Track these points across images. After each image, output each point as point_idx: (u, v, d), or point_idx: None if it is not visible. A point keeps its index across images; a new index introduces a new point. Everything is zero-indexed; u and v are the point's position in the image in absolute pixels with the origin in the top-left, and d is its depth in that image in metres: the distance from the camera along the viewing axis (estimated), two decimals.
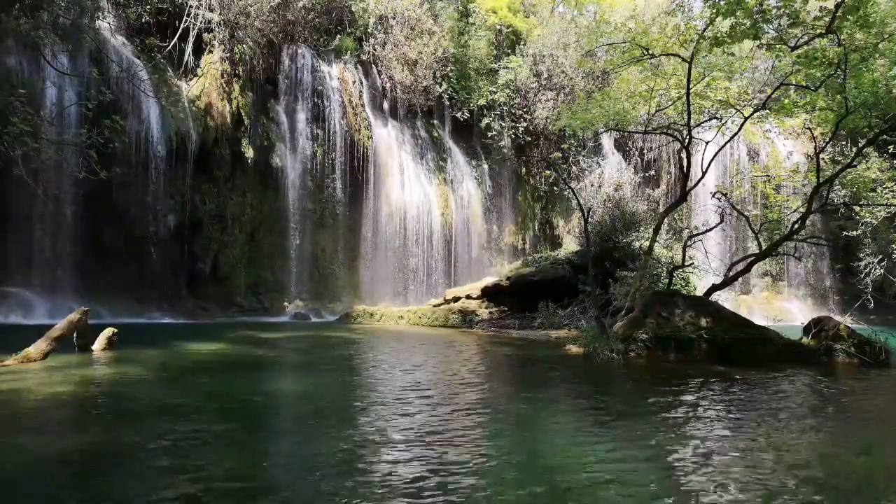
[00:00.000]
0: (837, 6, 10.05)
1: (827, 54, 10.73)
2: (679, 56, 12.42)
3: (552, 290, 17.09)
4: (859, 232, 19.88)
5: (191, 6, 19.23)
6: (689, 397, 6.92)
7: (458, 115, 25.25)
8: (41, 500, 3.51)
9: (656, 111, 14.54)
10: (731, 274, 13.15)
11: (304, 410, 6.09)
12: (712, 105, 13.93)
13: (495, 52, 26.74)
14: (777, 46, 11.75)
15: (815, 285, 26.60)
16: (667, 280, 14.51)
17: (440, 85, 24.59)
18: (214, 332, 13.30)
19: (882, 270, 21.09)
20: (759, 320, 13.72)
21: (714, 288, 12.59)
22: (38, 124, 13.28)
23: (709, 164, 13.24)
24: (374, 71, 24.11)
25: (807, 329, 10.96)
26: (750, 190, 26.20)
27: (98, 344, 9.29)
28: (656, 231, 13.25)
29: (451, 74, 24.85)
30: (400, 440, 4.71)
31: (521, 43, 26.80)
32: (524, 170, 27.11)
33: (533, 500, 3.52)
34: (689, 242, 14.42)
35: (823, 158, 13.65)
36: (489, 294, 18.21)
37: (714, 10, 10.75)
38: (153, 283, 17.67)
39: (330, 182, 22.02)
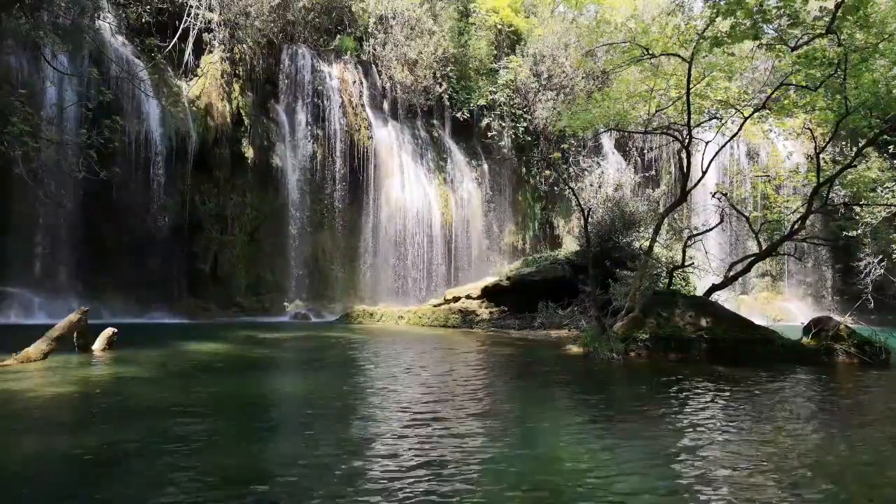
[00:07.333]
0: (837, 6, 10.05)
1: (827, 54, 10.74)
2: (679, 56, 12.41)
3: (552, 290, 17.10)
4: (859, 232, 19.89)
5: (191, 6, 19.23)
6: (689, 397, 6.92)
7: (458, 115, 25.22)
8: (42, 500, 3.51)
9: (656, 111, 14.54)
10: (731, 274, 13.15)
11: (304, 410, 6.09)
12: (712, 105, 13.93)
13: (495, 52, 26.71)
14: (777, 46, 11.75)
15: (815, 285, 26.60)
16: (667, 280, 14.51)
17: (440, 85, 24.57)
18: (214, 332, 13.30)
19: (882, 270, 21.10)
20: (759, 320, 13.69)
21: (714, 288, 12.59)
22: (38, 124, 13.26)
23: (709, 164, 13.24)
24: (374, 71, 24.10)
25: (807, 329, 10.95)
26: (750, 190, 26.24)
27: (98, 344, 9.30)
28: (656, 231, 13.24)
29: (451, 74, 24.83)
30: (400, 440, 4.71)
31: (522, 43, 26.77)
32: (524, 170, 27.09)
33: (533, 499, 3.52)
34: (689, 242, 14.41)
35: (823, 158, 13.64)
36: (489, 294, 18.22)
37: (714, 10, 10.76)
38: (153, 283, 17.65)
39: (330, 182, 22.02)
